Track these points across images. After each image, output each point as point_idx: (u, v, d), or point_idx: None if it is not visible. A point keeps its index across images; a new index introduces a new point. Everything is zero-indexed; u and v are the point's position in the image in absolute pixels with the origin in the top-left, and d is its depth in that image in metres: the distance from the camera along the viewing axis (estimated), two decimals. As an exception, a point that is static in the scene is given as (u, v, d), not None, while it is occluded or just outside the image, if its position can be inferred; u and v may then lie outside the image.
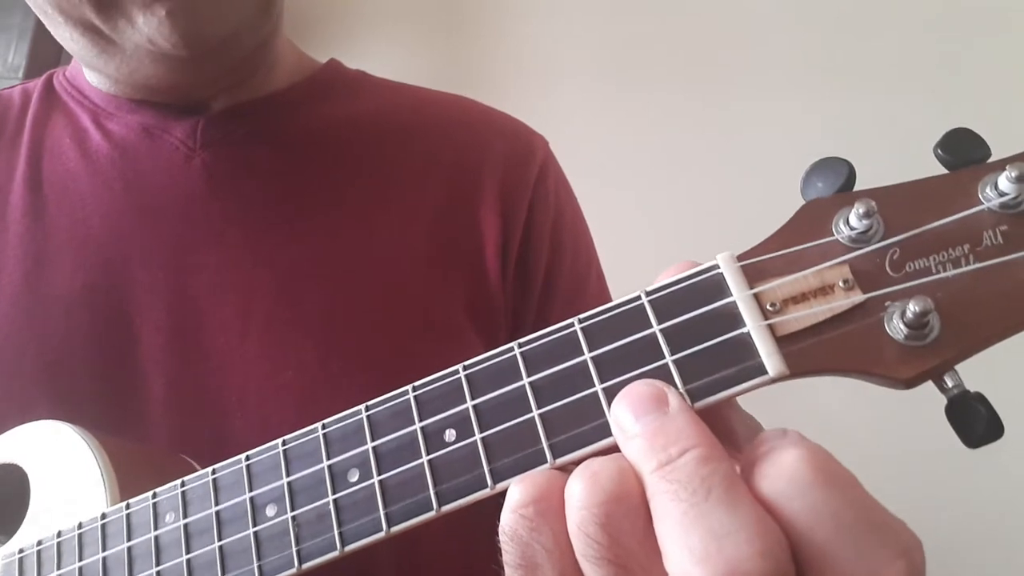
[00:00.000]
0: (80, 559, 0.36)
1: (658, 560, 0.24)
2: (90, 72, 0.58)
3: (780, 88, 1.43)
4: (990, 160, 0.29)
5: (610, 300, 0.65)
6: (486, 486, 0.29)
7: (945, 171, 0.29)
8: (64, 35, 0.51)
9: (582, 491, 0.25)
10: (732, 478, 0.23)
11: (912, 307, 0.26)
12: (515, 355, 0.30)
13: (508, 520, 0.26)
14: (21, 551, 0.39)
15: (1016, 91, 1.25)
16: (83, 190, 0.55)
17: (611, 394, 0.28)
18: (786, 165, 1.42)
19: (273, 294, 0.52)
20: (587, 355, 0.29)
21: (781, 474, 0.23)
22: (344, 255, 0.54)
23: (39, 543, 0.38)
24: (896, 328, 0.26)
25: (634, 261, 1.32)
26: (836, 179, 0.30)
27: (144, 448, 0.45)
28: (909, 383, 0.27)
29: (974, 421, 0.27)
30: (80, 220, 0.54)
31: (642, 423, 0.25)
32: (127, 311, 0.52)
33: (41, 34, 1.51)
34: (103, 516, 0.36)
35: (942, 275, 0.27)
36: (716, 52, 1.49)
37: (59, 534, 0.38)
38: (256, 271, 0.53)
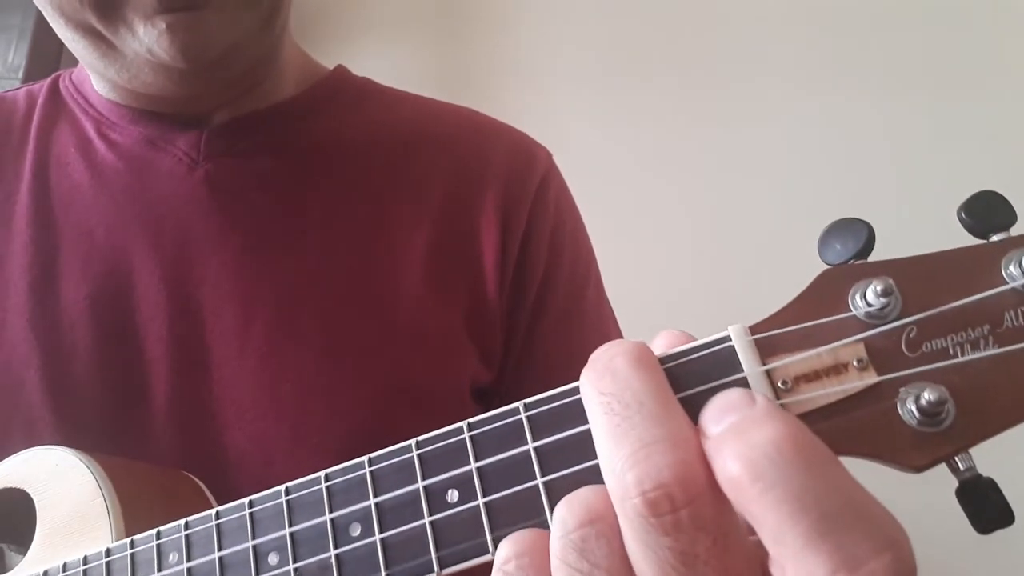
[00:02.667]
0: (85, 594, 0.37)
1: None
2: (94, 76, 0.58)
3: (778, 88, 1.43)
4: (1015, 230, 0.28)
5: (609, 314, 0.65)
6: (488, 552, 0.29)
7: (970, 236, 0.29)
8: (67, 36, 0.50)
9: (560, 517, 0.25)
10: (669, 402, 0.24)
11: (927, 395, 0.25)
12: (521, 419, 0.30)
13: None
14: (27, 581, 0.39)
15: (1016, 91, 1.23)
16: (88, 201, 0.55)
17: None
18: (784, 166, 1.42)
19: (273, 306, 0.53)
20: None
21: (754, 452, 0.22)
22: (344, 268, 0.54)
23: (45, 574, 0.39)
24: (909, 413, 0.26)
25: (632, 263, 1.32)
26: (855, 242, 0.29)
27: (152, 470, 0.45)
28: (920, 469, 0.26)
29: (984, 508, 0.26)
30: (85, 231, 0.54)
31: (593, 365, 0.26)
32: (130, 322, 0.52)
33: (41, 34, 1.50)
34: (108, 552, 0.37)
35: (960, 359, 0.26)
36: (714, 54, 1.49)
37: (64, 567, 0.38)
38: (257, 283, 0.53)
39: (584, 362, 0.28)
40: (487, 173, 0.59)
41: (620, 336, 0.64)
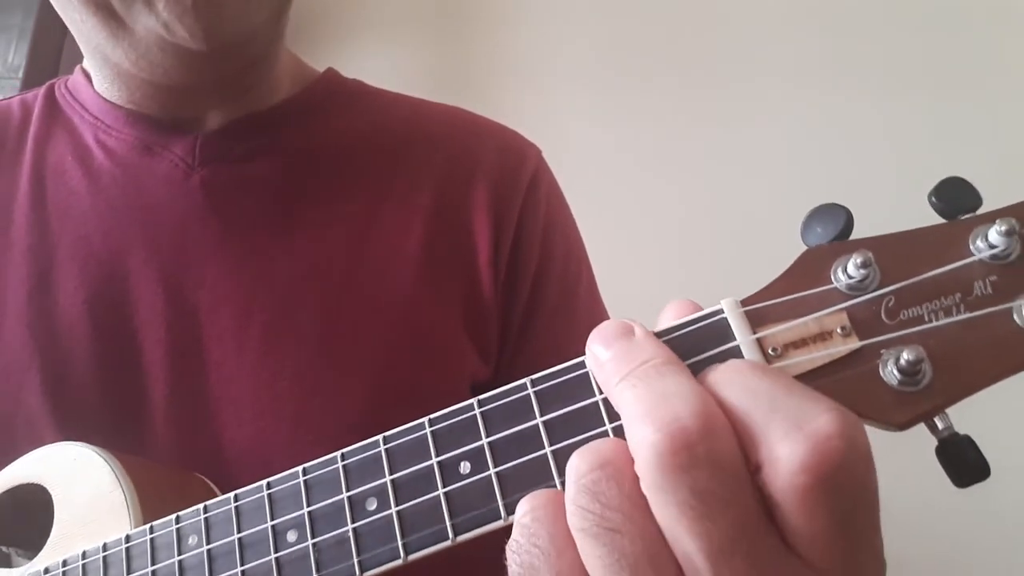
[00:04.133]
0: (105, 580, 0.38)
1: (652, 523, 0.25)
2: (97, 68, 0.58)
3: (778, 88, 1.43)
4: (980, 211, 0.31)
5: (601, 309, 0.67)
6: (500, 518, 0.30)
7: (939, 218, 0.31)
8: (74, 17, 0.50)
9: (573, 465, 0.27)
10: (683, 370, 0.27)
11: (906, 355, 0.27)
12: (528, 394, 0.32)
13: (512, 533, 0.28)
14: (47, 571, 0.40)
15: (1016, 91, 1.26)
16: (85, 208, 0.56)
17: (619, 433, 0.29)
18: (784, 165, 1.43)
19: (270, 307, 0.54)
20: (598, 397, 0.30)
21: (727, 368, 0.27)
22: (340, 267, 0.56)
23: (64, 563, 0.40)
24: (890, 374, 0.28)
25: (632, 263, 1.34)
26: (835, 226, 0.32)
27: (164, 468, 0.46)
28: (902, 427, 0.28)
29: (962, 463, 0.28)
30: (82, 237, 0.55)
31: (612, 349, 0.28)
32: (128, 325, 0.53)
33: (41, 34, 1.51)
34: (128, 539, 0.38)
35: (934, 324, 0.28)
36: (714, 54, 1.50)
37: (84, 555, 0.39)
38: (253, 284, 0.54)
39: (577, 355, 0.31)
40: (478, 171, 0.61)
41: None
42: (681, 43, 1.53)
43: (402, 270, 0.56)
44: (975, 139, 1.28)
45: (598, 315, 0.65)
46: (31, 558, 0.44)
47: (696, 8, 1.52)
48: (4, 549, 0.48)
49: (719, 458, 0.24)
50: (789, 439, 0.24)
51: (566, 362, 0.32)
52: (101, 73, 0.58)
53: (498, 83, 1.64)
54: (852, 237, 0.31)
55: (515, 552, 0.28)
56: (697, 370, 0.29)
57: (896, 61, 1.35)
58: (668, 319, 0.31)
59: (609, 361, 0.28)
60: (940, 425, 0.29)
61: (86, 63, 0.61)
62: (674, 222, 1.47)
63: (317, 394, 0.52)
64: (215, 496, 0.46)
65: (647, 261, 1.44)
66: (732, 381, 0.26)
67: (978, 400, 0.29)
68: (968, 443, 0.28)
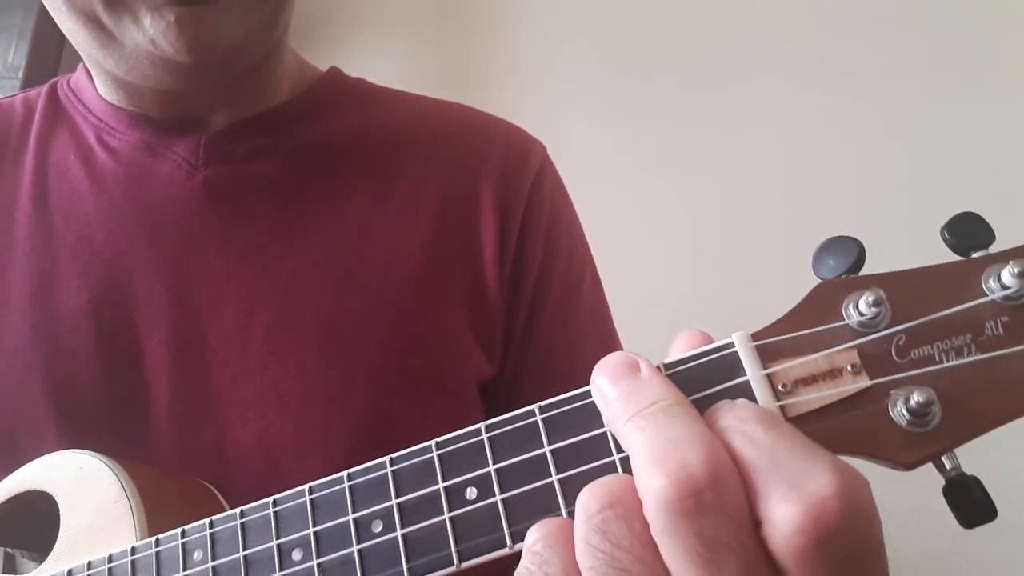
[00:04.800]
0: (110, 592, 0.38)
1: (660, 564, 0.25)
2: (96, 74, 0.58)
3: (778, 88, 1.43)
4: (992, 249, 0.30)
5: (603, 309, 0.67)
6: (505, 546, 0.31)
7: (952, 254, 0.31)
8: (68, 25, 0.51)
9: (583, 501, 0.27)
10: (691, 412, 0.27)
11: (916, 397, 0.27)
12: (536, 421, 0.32)
13: (522, 560, 0.28)
14: (52, 579, 0.40)
15: (1016, 91, 1.25)
16: (88, 207, 0.56)
17: (627, 463, 0.29)
18: (784, 165, 1.43)
19: (274, 306, 0.54)
20: (607, 427, 0.30)
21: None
22: (344, 266, 0.56)
23: (69, 573, 0.40)
24: (900, 414, 0.28)
25: (632, 262, 1.34)
26: (847, 258, 0.32)
27: (170, 475, 0.46)
28: (910, 467, 0.28)
29: (969, 504, 0.28)
30: (85, 237, 0.55)
31: (618, 387, 0.28)
32: (131, 325, 0.53)
33: (41, 34, 1.50)
34: (133, 551, 0.38)
35: (945, 364, 0.28)
36: (714, 54, 1.49)
37: (89, 565, 0.39)
38: (257, 283, 0.54)
39: (581, 352, 0.31)
40: (483, 168, 0.60)
41: (614, 328, 0.65)
42: (681, 43, 1.53)
43: (406, 268, 0.56)
44: (975, 139, 1.28)
45: (601, 311, 0.65)
46: (38, 561, 0.44)
47: (696, 8, 1.52)
48: (9, 551, 0.48)
49: (725, 506, 0.24)
50: (787, 500, 0.24)
51: (573, 388, 0.32)
52: (99, 78, 0.58)
53: (498, 83, 1.64)
54: (864, 270, 0.32)
55: None
56: (706, 404, 0.29)
57: (896, 61, 1.35)
58: (678, 350, 0.31)
59: (616, 400, 0.28)
60: (948, 465, 0.29)
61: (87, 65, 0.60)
62: (674, 222, 1.46)
63: (321, 393, 0.52)
64: (220, 503, 0.47)
65: (648, 261, 1.44)
66: (738, 430, 0.26)
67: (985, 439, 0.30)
68: (975, 484, 0.28)
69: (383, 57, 1.73)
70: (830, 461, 0.25)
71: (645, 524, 0.26)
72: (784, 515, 0.24)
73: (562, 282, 0.61)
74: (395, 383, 0.54)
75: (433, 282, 0.57)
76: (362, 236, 0.57)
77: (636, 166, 1.51)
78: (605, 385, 0.29)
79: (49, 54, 1.48)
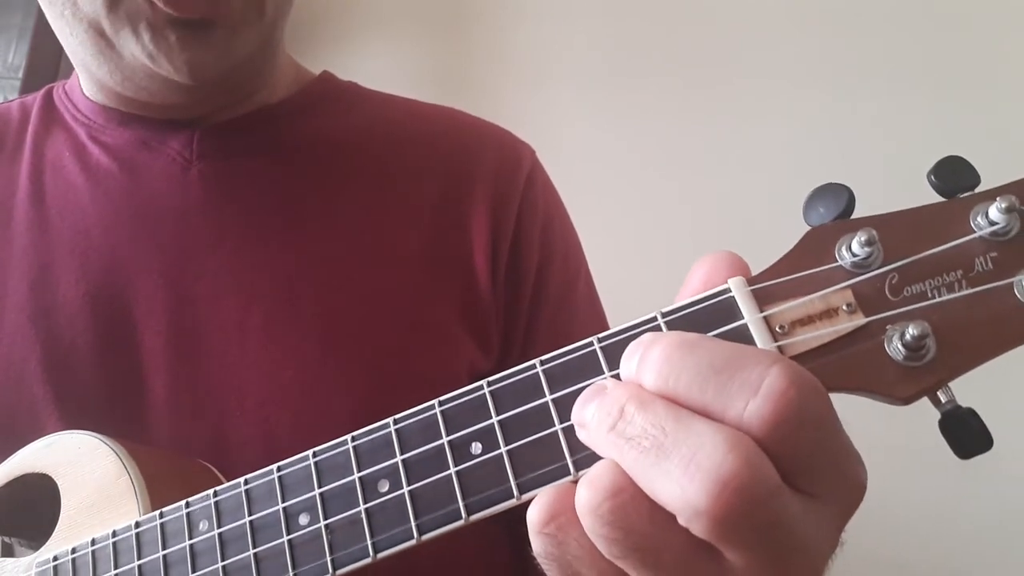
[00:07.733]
0: (115, 567, 0.38)
1: (674, 529, 0.26)
2: (84, 78, 0.59)
3: (778, 87, 1.43)
4: (979, 188, 0.31)
5: (598, 303, 0.68)
6: (513, 497, 0.31)
7: (939, 197, 0.32)
8: (65, 30, 0.51)
9: (584, 497, 0.27)
10: (674, 410, 0.27)
11: (911, 331, 0.28)
12: (538, 372, 0.32)
13: (536, 543, 0.29)
14: (55, 559, 0.40)
15: (1016, 91, 1.27)
16: (84, 202, 0.56)
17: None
18: (784, 164, 1.44)
19: (271, 297, 0.54)
20: (607, 373, 0.31)
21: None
22: (339, 259, 0.56)
23: (73, 551, 0.40)
24: (895, 349, 0.28)
25: (633, 261, 1.34)
26: (837, 205, 0.32)
27: (168, 454, 0.46)
28: (907, 400, 0.29)
29: (965, 434, 0.29)
30: (81, 231, 0.55)
31: (588, 410, 0.29)
32: (128, 317, 0.53)
33: (41, 34, 1.50)
34: (137, 525, 0.38)
35: (937, 300, 0.29)
36: (715, 53, 1.50)
37: (93, 542, 0.39)
38: (254, 275, 0.55)
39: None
40: (476, 171, 0.62)
41: (606, 318, 0.67)
42: (681, 43, 1.53)
43: (401, 262, 0.57)
44: (975, 139, 1.29)
45: (596, 303, 0.67)
46: (35, 548, 0.44)
47: (696, 8, 1.53)
48: (7, 539, 0.48)
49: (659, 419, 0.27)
50: (751, 402, 0.26)
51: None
52: (87, 82, 0.59)
53: (498, 83, 1.64)
54: (853, 216, 0.32)
55: (550, 560, 0.29)
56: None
57: (896, 61, 1.36)
58: (697, 278, 0.32)
59: (592, 421, 0.29)
60: (943, 398, 0.29)
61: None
62: (675, 221, 1.47)
63: (319, 383, 0.53)
64: (219, 482, 0.46)
65: (648, 260, 1.44)
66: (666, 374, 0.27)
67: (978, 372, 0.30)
68: (971, 415, 0.29)
69: (382, 57, 1.73)
70: (762, 354, 0.27)
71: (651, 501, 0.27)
72: (754, 409, 0.25)
73: (559, 279, 0.63)
74: (390, 373, 0.54)
75: (426, 277, 0.57)
76: (357, 231, 0.57)
77: (636, 165, 1.52)
78: (579, 415, 0.30)
79: (49, 54, 1.48)
